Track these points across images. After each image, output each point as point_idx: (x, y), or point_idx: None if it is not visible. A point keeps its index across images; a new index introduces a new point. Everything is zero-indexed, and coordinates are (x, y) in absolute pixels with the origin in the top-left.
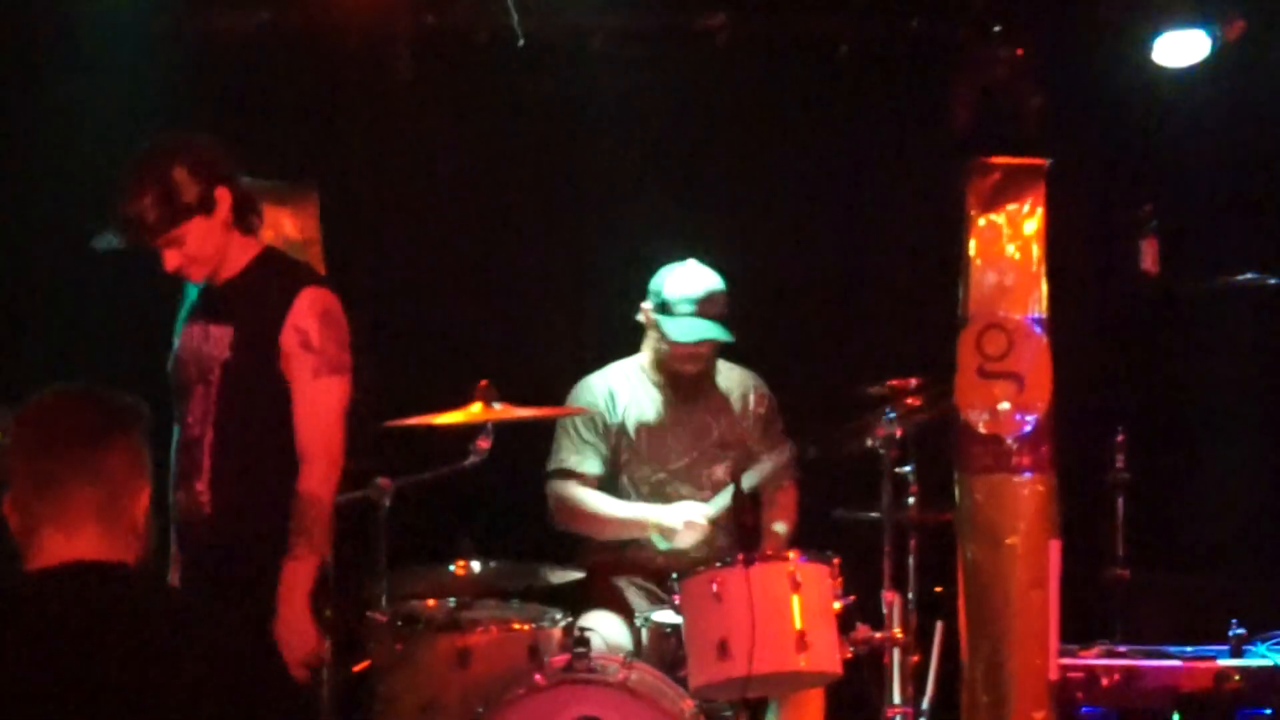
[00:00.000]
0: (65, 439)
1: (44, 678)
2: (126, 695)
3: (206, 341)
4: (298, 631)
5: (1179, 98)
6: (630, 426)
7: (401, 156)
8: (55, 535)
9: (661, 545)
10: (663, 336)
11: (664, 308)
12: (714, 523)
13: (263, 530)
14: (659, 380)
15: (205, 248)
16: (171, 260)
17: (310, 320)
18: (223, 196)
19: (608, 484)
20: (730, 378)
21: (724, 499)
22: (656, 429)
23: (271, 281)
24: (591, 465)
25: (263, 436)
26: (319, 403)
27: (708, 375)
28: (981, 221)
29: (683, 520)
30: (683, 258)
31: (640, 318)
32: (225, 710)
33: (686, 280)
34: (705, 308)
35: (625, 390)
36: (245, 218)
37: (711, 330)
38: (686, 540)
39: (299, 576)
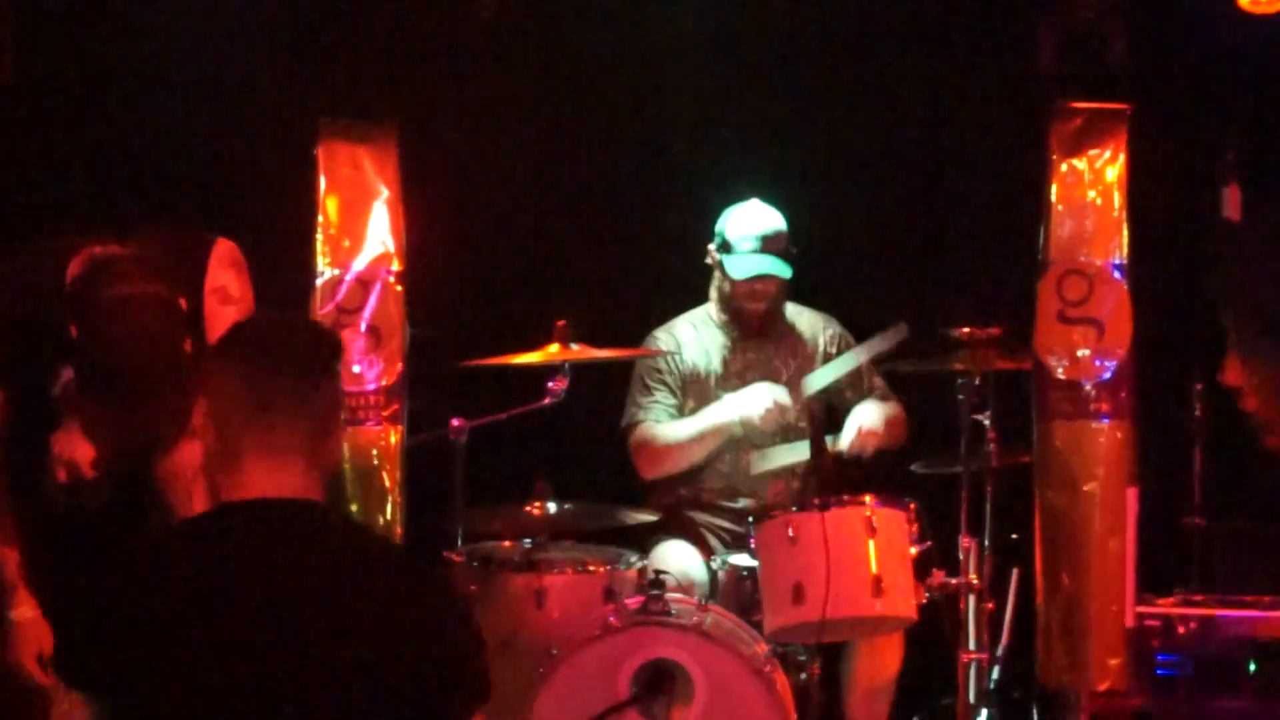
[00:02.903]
0: (287, 366)
1: (256, 614)
2: (331, 637)
3: None
4: None
5: (1264, 43)
6: (701, 374)
7: (481, 96)
8: (261, 466)
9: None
10: (725, 275)
11: (726, 246)
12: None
13: None
14: (727, 325)
15: None
16: None
17: None
18: None
19: None
20: (802, 320)
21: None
22: (727, 375)
23: None
24: (661, 416)
25: None
26: None
27: (776, 317)
28: (1064, 166)
29: (763, 408)
30: (760, 198)
31: (707, 260)
32: (430, 662)
33: (748, 218)
34: (766, 244)
35: (692, 340)
36: None
37: (771, 265)
38: (769, 421)
39: None
